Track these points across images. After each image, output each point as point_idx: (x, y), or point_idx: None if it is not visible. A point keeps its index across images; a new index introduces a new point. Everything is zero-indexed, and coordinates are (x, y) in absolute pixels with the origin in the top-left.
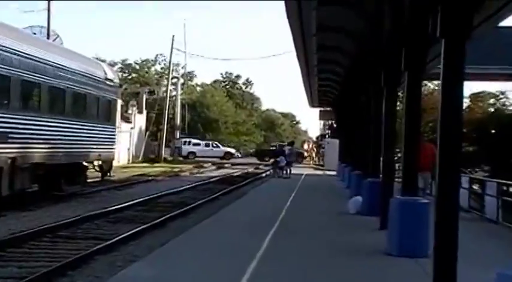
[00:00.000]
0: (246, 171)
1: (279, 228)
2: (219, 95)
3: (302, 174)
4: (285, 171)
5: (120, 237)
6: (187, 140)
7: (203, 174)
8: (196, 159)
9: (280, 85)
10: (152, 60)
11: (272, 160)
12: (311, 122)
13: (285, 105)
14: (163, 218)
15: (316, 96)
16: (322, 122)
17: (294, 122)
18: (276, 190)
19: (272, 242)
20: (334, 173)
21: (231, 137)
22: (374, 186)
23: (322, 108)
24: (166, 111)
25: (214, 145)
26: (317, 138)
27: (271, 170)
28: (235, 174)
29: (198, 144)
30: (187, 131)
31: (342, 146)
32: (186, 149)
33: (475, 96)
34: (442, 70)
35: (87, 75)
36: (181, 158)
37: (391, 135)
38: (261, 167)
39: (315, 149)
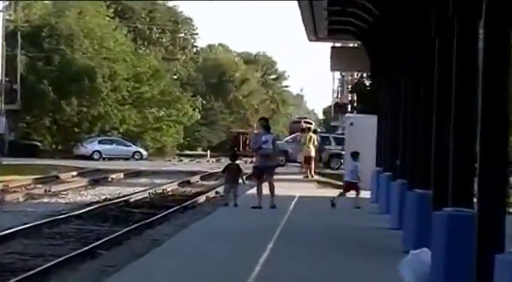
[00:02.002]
0: (171, 188)
1: None
2: (97, 12)
3: (292, 198)
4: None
5: None
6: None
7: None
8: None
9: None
10: None
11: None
12: (312, 78)
13: (252, 42)
14: None
15: (324, 15)
16: (336, 78)
17: (274, 78)
18: (223, 247)
19: None
20: (365, 192)
21: (123, 113)
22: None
23: (337, 42)
24: None
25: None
26: (325, 115)
27: (225, 189)
28: (140, 197)
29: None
30: (21, 97)
31: (385, 133)
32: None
33: None
34: None
35: None
36: None
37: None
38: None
39: (316, 142)
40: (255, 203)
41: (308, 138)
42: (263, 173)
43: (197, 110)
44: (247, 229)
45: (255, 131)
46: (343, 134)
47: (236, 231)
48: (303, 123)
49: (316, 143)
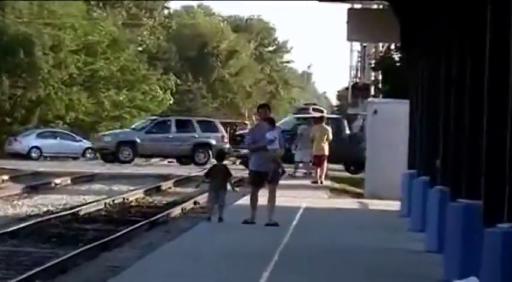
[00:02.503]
0: (134, 197)
1: None
2: None
3: (295, 210)
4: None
5: None
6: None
7: None
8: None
9: None
10: None
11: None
12: (323, 51)
13: (243, 3)
14: None
15: None
16: (355, 51)
17: (271, 51)
18: (204, 276)
19: None
20: (393, 203)
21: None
22: None
23: (356, 2)
24: None
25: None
26: (339, 100)
27: (208, 198)
28: (93, 209)
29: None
30: None
31: (420, 124)
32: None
33: None
34: None
35: None
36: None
37: None
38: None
39: (330, 136)
40: (247, 216)
41: (319, 131)
42: (263, 180)
43: (169, 92)
44: (236, 252)
45: (254, 122)
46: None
47: (221, 254)
48: (311, 111)
49: (330, 137)
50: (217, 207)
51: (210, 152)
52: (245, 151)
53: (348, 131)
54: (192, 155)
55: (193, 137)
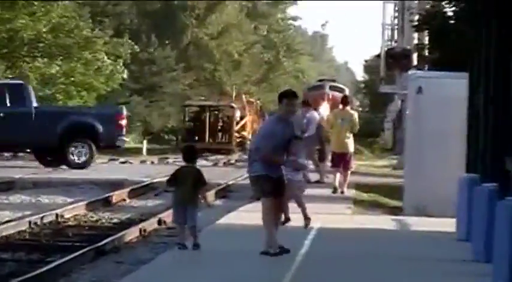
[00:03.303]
0: (72, 213)
1: None
2: None
3: (306, 232)
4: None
5: None
6: None
7: None
8: None
9: None
10: None
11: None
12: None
13: None
14: None
15: None
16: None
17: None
18: None
19: None
20: (446, 221)
21: None
22: None
23: None
24: None
25: None
26: (367, 74)
27: (173, 219)
28: (12, 231)
29: None
30: None
31: (484, 108)
32: None
33: None
34: None
35: None
36: None
37: None
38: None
39: (357, 126)
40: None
41: (340, 119)
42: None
43: (122, 63)
44: None
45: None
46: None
47: None
48: (327, 89)
49: (356, 127)
50: (188, 228)
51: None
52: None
53: None
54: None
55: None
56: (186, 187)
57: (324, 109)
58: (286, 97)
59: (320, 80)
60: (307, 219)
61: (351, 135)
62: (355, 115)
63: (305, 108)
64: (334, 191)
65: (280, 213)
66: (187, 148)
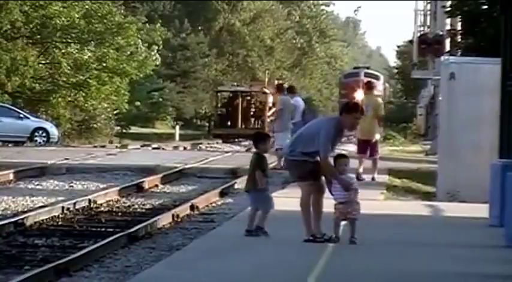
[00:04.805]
0: (105, 199)
1: None
2: None
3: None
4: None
5: None
6: None
7: None
8: None
9: None
10: None
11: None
12: None
13: None
14: None
15: None
16: None
17: None
18: None
19: None
20: (479, 206)
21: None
22: None
23: None
24: None
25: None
26: (400, 60)
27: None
28: (45, 216)
29: None
30: None
31: None
32: None
33: None
34: None
35: None
36: None
37: None
38: None
39: (382, 111)
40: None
41: (366, 105)
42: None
43: (156, 49)
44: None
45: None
46: None
47: None
48: (362, 76)
49: (382, 113)
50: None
51: None
52: None
53: None
54: None
55: None
56: (250, 172)
57: (360, 95)
58: (356, 112)
59: (355, 68)
60: None
61: (376, 122)
62: (379, 100)
63: (291, 94)
64: (358, 177)
65: (321, 197)
66: (253, 135)
